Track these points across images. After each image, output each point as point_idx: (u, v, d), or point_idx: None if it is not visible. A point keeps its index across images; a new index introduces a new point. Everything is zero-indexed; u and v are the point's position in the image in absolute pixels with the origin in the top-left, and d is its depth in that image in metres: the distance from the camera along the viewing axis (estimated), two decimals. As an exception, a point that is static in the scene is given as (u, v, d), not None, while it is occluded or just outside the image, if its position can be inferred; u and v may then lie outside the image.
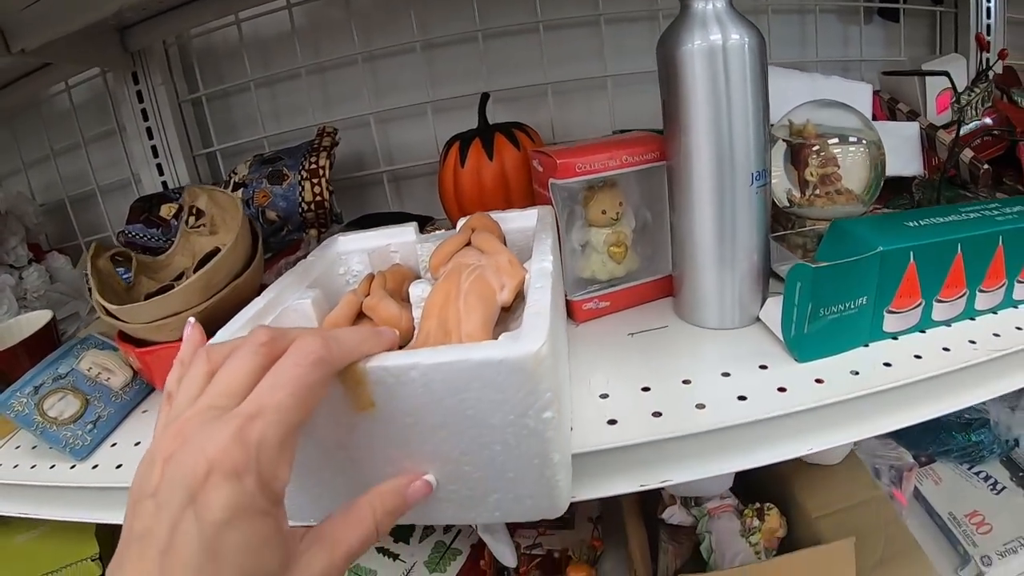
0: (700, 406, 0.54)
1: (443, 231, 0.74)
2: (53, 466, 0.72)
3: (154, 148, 1.21)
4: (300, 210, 1.00)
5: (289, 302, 0.59)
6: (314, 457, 0.45)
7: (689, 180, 0.63)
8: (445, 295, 0.53)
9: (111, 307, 0.70)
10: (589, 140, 0.75)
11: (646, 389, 0.58)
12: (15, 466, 0.75)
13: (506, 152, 0.90)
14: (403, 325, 0.59)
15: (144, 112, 1.19)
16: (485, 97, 0.97)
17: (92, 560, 0.87)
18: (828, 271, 0.56)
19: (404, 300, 0.64)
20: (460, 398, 0.41)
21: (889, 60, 1.21)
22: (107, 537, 0.88)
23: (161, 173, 1.22)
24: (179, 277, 0.86)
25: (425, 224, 1.02)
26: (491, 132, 0.93)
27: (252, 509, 0.32)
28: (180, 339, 0.68)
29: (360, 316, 0.61)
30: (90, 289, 0.80)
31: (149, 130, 1.20)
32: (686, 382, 0.58)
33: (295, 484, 0.38)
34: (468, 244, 0.64)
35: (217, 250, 0.84)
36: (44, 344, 0.98)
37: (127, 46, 1.15)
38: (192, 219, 0.88)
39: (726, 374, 0.59)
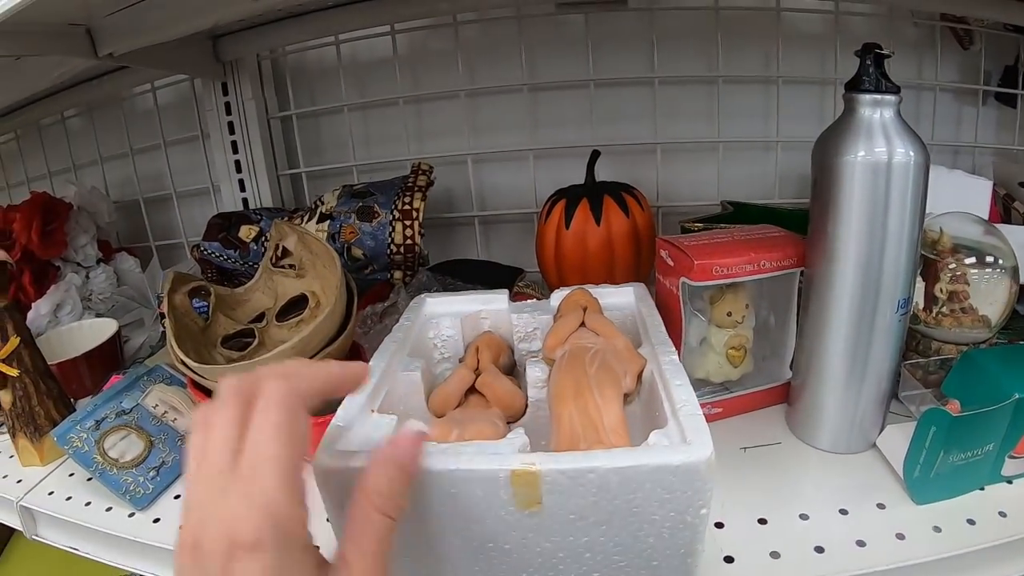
0: (819, 549, 0.56)
1: (535, 301, 0.77)
2: (110, 508, 0.73)
3: (237, 163, 1.24)
4: (388, 251, 1.02)
5: (398, 373, 0.62)
6: (460, 552, 0.48)
7: (829, 295, 0.64)
8: (575, 382, 0.55)
9: (191, 363, 0.71)
10: (720, 234, 0.75)
11: (763, 522, 0.60)
12: (68, 498, 0.76)
13: (614, 218, 0.93)
14: (516, 404, 0.62)
15: (231, 125, 1.23)
16: (595, 155, 0.98)
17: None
18: (965, 420, 0.57)
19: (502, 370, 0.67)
20: (629, 498, 0.43)
21: (1002, 148, 1.19)
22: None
23: (243, 189, 1.26)
24: (259, 318, 0.89)
25: (516, 277, 1.04)
26: (599, 193, 0.94)
27: (285, 563, 0.33)
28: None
29: (471, 390, 0.64)
30: (162, 321, 0.79)
31: (234, 144, 1.23)
32: (803, 517, 0.60)
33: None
34: (581, 325, 0.66)
35: (303, 297, 0.86)
36: (107, 358, 1.03)
37: (219, 55, 1.18)
38: (276, 257, 0.90)
39: (843, 511, 0.60)
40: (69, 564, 0.94)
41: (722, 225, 0.91)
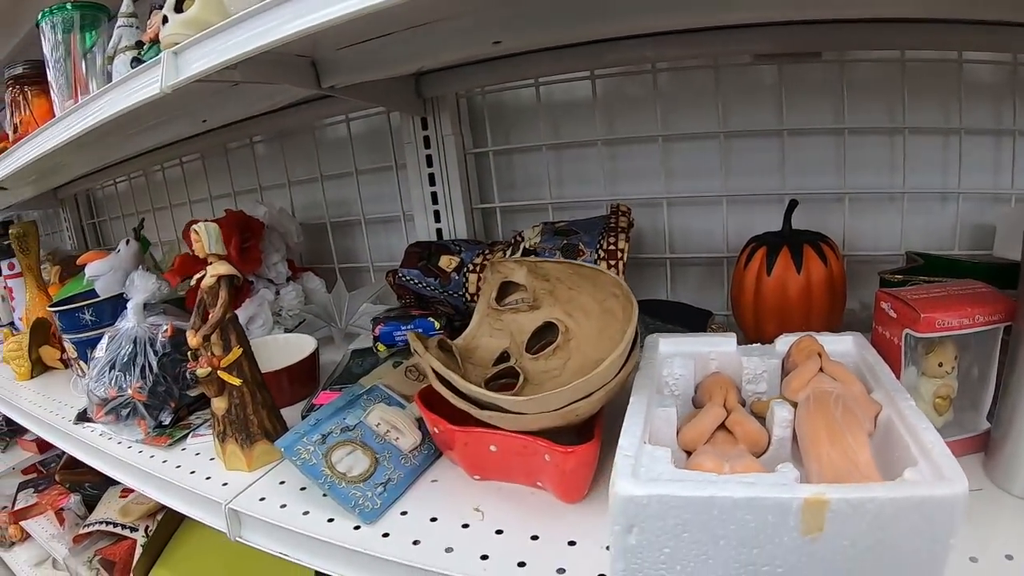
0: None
1: (761, 346, 0.90)
2: (332, 519, 0.80)
3: (434, 195, 1.43)
4: (594, 290, 1.18)
5: (656, 409, 0.77)
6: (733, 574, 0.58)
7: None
8: (827, 424, 0.67)
9: (503, 397, 0.77)
10: (936, 288, 0.87)
11: (974, 560, 0.68)
12: (283, 505, 0.84)
13: (813, 266, 1.06)
14: (762, 441, 0.75)
15: (428, 158, 1.42)
16: (793, 205, 1.12)
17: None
18: None
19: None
20: (897, 526, 0.53)
21: None
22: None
23: (437, 220, 1.44)
24: (500, 358, 0.99)
25: (707, 319, 1.19)
26: (799, 242, 1.08)
27: None
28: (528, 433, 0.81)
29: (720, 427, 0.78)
30: (436, 372, 0.83)
31: (431, 176, 1.42)
32: (1008, 558, 0.69)
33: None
34: (820, 370, 0.79)
35: (548, 324, 0.97)
36: (306, 374, 1.19)
37: (420, 92, 1.37)
38: (495, 295, 1.01)
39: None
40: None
41: (922, 278, 1.03)
